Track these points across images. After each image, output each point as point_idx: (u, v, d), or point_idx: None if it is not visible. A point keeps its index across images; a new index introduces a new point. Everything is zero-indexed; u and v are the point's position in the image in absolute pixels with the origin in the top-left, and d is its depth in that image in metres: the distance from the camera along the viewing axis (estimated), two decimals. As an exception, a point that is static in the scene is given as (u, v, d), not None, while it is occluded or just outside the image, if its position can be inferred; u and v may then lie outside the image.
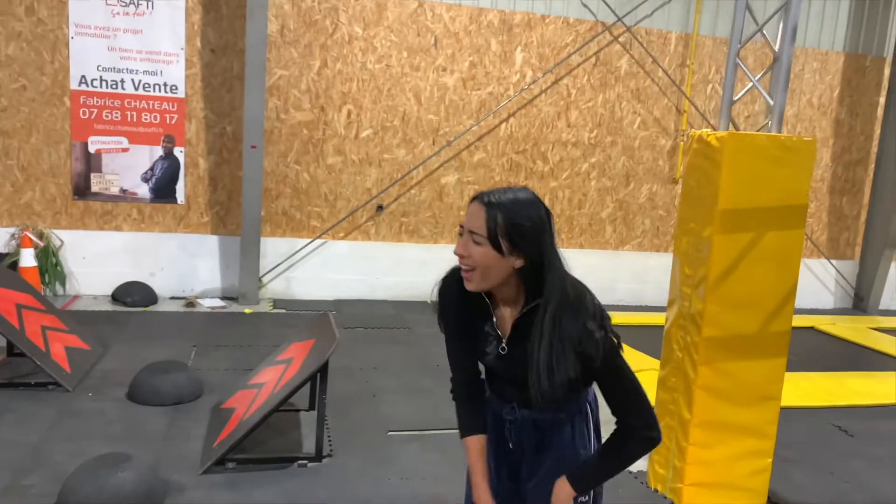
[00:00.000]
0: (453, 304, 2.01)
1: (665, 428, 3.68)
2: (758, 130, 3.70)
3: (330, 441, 4.06)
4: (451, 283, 1.99)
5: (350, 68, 7.31)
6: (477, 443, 2.10)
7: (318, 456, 3.81)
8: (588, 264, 8.20)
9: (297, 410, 4.41)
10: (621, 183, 8.29)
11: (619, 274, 8.35)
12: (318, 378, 3.89)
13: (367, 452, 4.01)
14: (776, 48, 3.55)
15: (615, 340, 1.88)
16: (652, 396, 5.09)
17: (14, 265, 6.29)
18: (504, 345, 1.95)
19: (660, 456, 3.74)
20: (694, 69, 8.21)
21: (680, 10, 8.10)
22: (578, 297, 1.85)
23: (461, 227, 1.85)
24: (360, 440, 4.15)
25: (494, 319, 1.97)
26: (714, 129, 8.20)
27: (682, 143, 8.32)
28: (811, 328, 7.93)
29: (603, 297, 7.07)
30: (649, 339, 6.72)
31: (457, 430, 2.15)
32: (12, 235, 6.71)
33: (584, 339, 1.80)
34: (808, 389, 5.69)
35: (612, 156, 8.20)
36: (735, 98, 3.66)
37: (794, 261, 3.49)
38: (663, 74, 8.12)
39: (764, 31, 3.76)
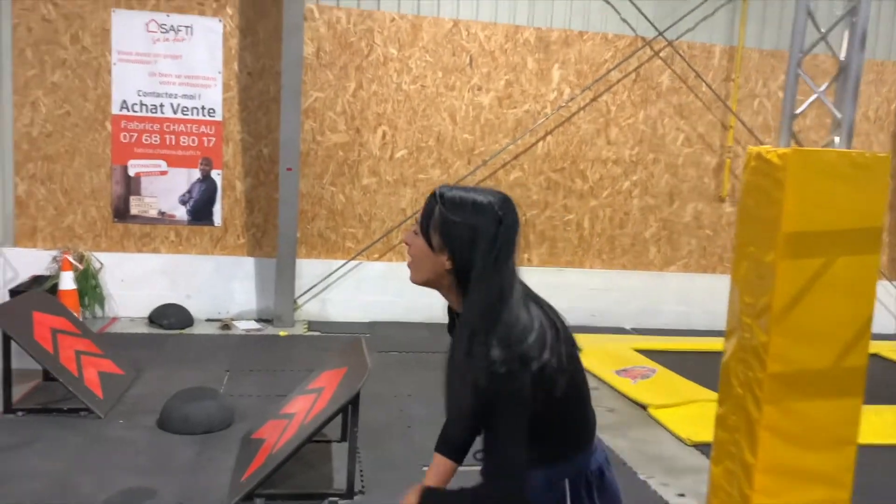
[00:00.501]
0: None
1: (725, 472, 3.42)
2: (824, 146, 3.46)
3: (362, 476, 3.92)
4: None
5: (385, 89, 7.25)
6: (442, 464, 2.06)
7: (349, 492, 3.68)
8: (631, 286, 7.96)
9: (329, 441, 4.28)
10: (665, 201, 8.04)
11: (663, 296, 8.07)
12: (349, 409, 3.76)
13: (402, 489, 3.84)
14: (842, 57, 3.32)
15: (513, 382, 1.56)
16: (706, 431, 4.83)
17: (54, 288, 6.34)
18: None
19: (720, 502, 3.47)
20: (740, 83, 7.95)
21: (724, 23, 7.86)
22: (489, 318, 1.61)
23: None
24: (393, 475, 4.00)
25: (449, 330, 1.88)
26: (761, 143, 7.94)
27: (728, 159, 8.04)
28: (875, 355, 7.52)
29: (647, 321, 6.81)
30: (697, 366, 6.43)
31: None
32: (54, 258, 6.79)
33: (474, 368, 1.57)
34: (878, 425, 5.24)
35: (654, 173, 7.96)
36: (797, 112, 3.43)
37: (869, 288, 3.21)
38: (707, 89, 7.88)
39: (827, 39, 3.53)
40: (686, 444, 4.80)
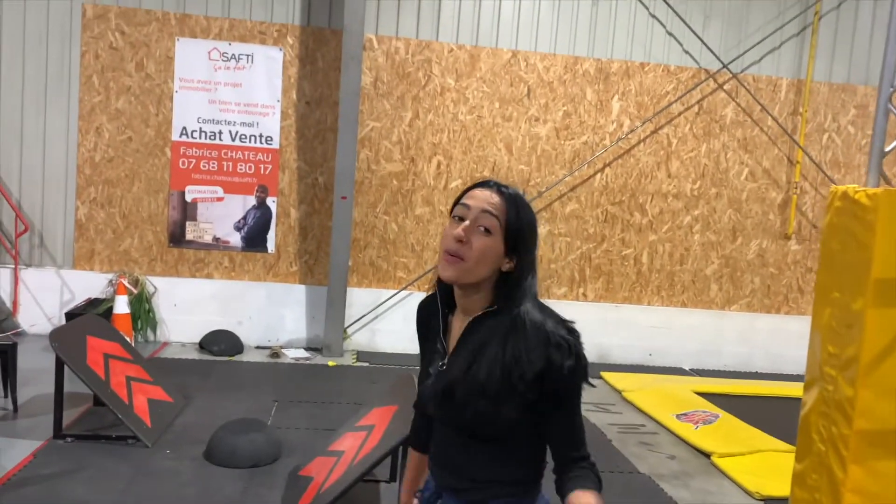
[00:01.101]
0: (423, 320, 1.86)
1: (803, 534, 3.16)
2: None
3: (411, 519, 3.74)
4: (429, 301, 1.82)
5: (441, 119, 7.19)
6: (418, 458, 1.98)
7: (397, 537, 3.51)
8: (690, 324, 7.66)
9: (377, 481, 4.13)
10: (727, 238, 7.74)
11: (724, 336, 7.73)
12: (400, 449, 3.61)
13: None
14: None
15: (586, 363, 1.61)
16: (775, 484, 4.54)
17: (109, 311, 6.39)
18: (445, 361, 1.70)
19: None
20: (808, 117, 7.65)
21: (791, 56, 7.60)
22: (548, 310, 1.65)
23: (460, 207, 1.64)
24: None
25: (443, 332, 1.75)
26: (830, 179, 7.61)
27: (794, 195, 7.71)
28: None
29: (707, 361, 6.51)
30: (762, 412, 6.10)
31: None
32: (110, 281, 6.86)
33: (552, 345, 1.55)
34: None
35: (717, 208, 7.69)
36: (887, 149, 3.20)
37: (970, 341, 2.95)
38: (773, 123, 7.60)
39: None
40: (754, 497, 4.51)
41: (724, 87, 7.50)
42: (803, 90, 7.62)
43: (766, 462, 5.02)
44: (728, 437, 5.42)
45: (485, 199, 1.61)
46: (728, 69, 7.37)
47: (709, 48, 7.34)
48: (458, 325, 1.72)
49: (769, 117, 7.58)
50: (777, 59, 7.57)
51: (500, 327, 1.60)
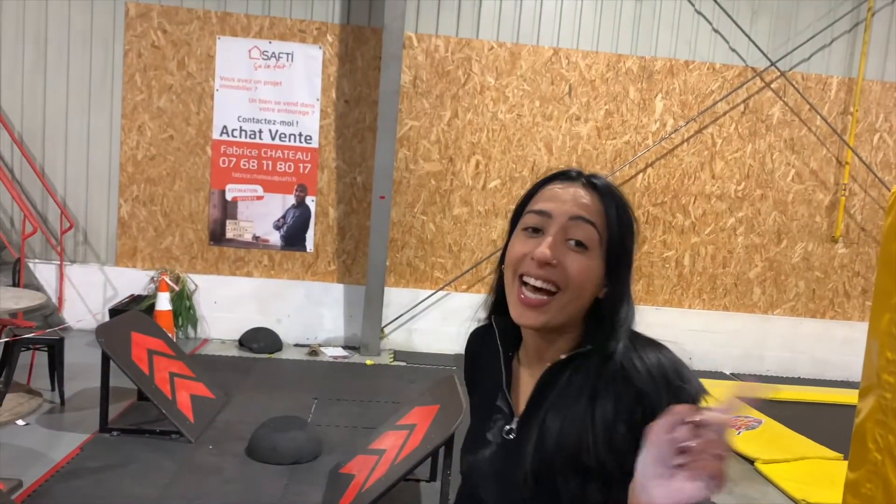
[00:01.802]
0: (474, 356, 1.37)
1: (855, 544, 3.06)
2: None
3: (452, 521, 3.71)
4: (484, 332, 1.33)
5: (480, 118, 7.14)
6: None
7: (439, 538, 3.48)
8: (733, 329, 7.50)
9: (418, 481, 4.10)
10: (772, 240, 7.56)
11: (767, 341, 7.55)
12: (441, 450, 3.58)
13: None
14: None
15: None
16: (822, 492, 4.43)
17: (151, 308, 6.47)
18: (513, 426, 1.20)
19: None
20: (858, 117, 7.43)
21: (842, 53, 7.39)
22: (652, 341, 1.18)
23: (534, 215, 1.17)
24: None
25: (506, 383, 1.24)
26: (881, 181, 7.38)
27: (843, 197, 7.50)
28: None
29: (749, 366, 6.48)
30: (807, 418, 5.95)
31: None
32: (151, 279, 6.95)
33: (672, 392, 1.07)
34: None
35: (761, 210, 7.51)
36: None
37: None
38: (822, 123, 7.40)
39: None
40: (800, 505, 4.40)
41: (772, 85, 7.33)
42: (854, 89, 7.40)
43: (811, 469, 4.91)
44: (772, 442, 5.31)
45: (573, 199, 1.14)
46: (776, 67, 7.19)
47: (756, 45, 7.17)
48: (527, 374, 1.24)
49: (818, 117, 7.38)
50: (827, 57, 7.37)
51: (592, 376, 1.13)
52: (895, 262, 3.01)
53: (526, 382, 1.22)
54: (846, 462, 3.23)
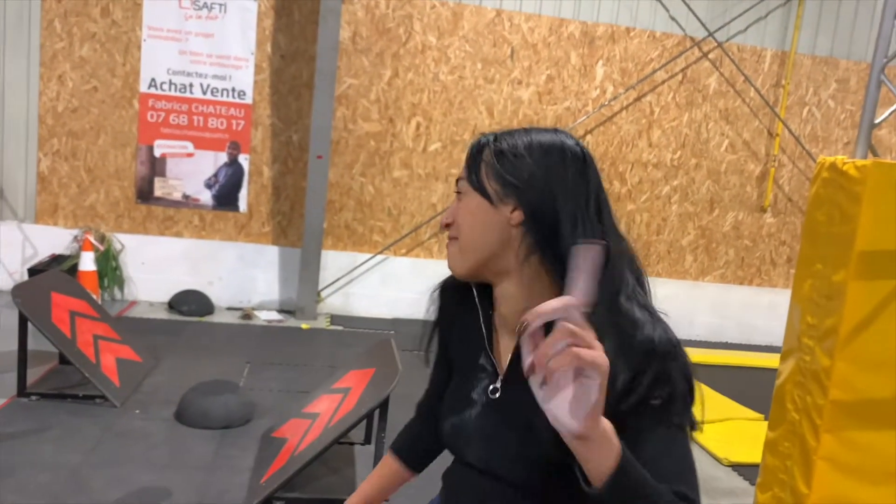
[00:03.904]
0: (447, 308, 1.43)
1: (773, 500, 3.19)
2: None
3: (386, 483, 3.70)
4: (458, 285, 1.38)
5: (422, 79, 7.02)
6: (394, 470, 1.64)
7: (373, 501, 3.46)
8: (665, 295, 7.61)
9: (352, 444, 4.07)
10: (705, 209, 7.75)
11: (697, 306, 7.78)
12: (376, 413, 3.55)
13: (428, 497, 3.64)
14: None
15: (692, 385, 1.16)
16: (744, 451, 4.61)
17: (74, 268, 6.19)
18: (498, 385, 1.24)
19: (766, 534, 3.24)
20: (790, 90, 7.62)
21: (777, 27, 7.54)
22: (644, 303, 1.21)
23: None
24: (418, 482, 3.77)
25: (490, 347, 1.28)
26: (808, 153, 7.63)
27: (773, 168, 7.72)
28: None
29: (679, 331, 6.70)
30: (732, 381, 6.17)
31: None
32: (75, 237, 6.64)
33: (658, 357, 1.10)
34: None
35: (695, 179, 7.67)
36: (877, 121, 3.16)
37: (949, 315, 2.96)
38: (755, 95, 7.57)
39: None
40: (722, 463, 4.57)
41: (709, 56, 7.43)
42: (787, 62, 7.58)
43: (734, 430, 5.11)
44: (698, 405, 5.48)
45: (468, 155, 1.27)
46: (713, 37, 7.29)
47: (695, 14, 7.23)
48: (505, 332, 1.27)
49: (752, 88, 7.54)
50: (763, 29, 7.50)
51: None
52: (817, 231, 3.11)
53: (506, 340, 1.26)
54: (766, 423, 3.37)
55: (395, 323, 7.02)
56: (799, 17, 7.47)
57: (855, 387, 2.94)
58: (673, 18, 7.30)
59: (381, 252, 7.17)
